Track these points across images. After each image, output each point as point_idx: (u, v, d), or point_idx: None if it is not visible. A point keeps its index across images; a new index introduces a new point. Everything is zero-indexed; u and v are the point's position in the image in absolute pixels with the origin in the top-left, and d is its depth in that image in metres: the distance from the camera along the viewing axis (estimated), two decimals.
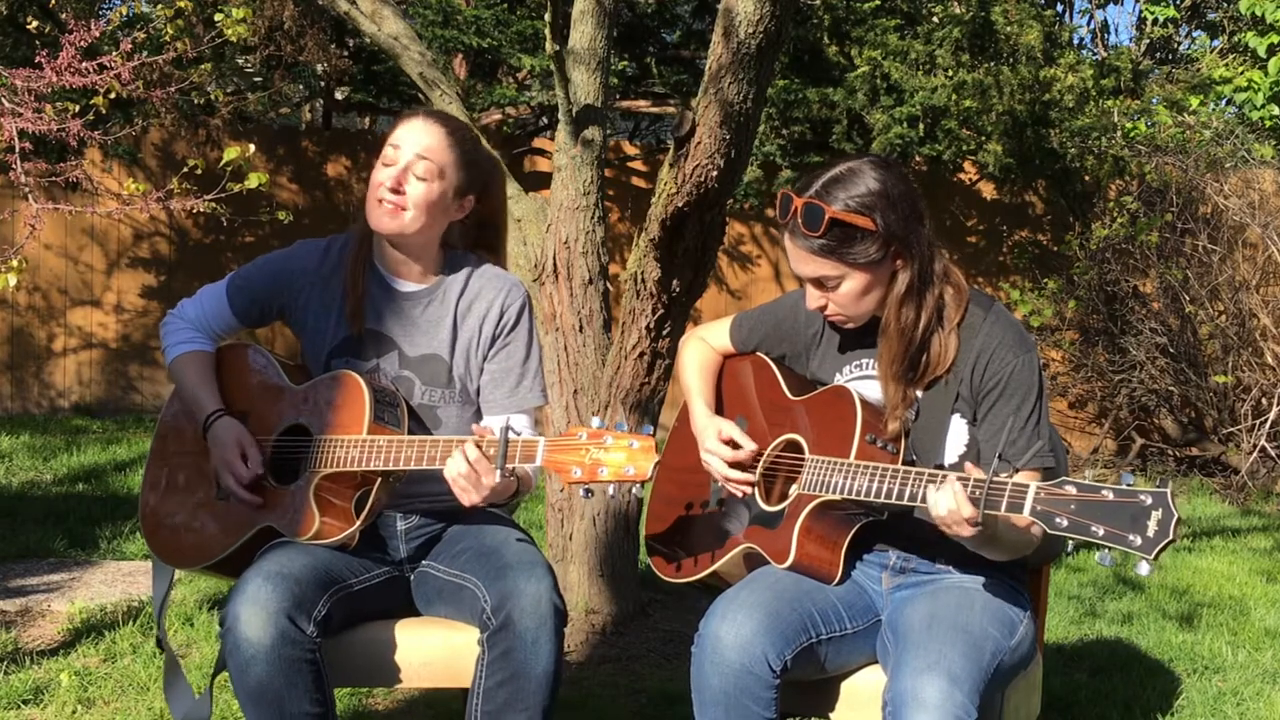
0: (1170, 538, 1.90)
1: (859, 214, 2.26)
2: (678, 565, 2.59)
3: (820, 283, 2.33)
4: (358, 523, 2.44)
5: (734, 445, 2.47)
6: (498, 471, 2.31)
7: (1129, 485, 1.95)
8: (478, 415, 2.63)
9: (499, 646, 2.34)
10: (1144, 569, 1.93)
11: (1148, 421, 8.40)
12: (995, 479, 2.05)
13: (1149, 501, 1.92)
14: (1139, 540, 1.91)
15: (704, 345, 2.70)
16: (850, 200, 2.26)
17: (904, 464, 2.30)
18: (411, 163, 2.49)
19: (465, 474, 2.33)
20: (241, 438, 2.51)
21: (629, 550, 4.06)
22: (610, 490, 2.30)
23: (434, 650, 2.48)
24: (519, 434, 2.32)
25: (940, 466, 2.34)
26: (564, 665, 2.42)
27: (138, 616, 3.95)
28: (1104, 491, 1.96)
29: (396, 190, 2.48)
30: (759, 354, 2.62)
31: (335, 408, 2.47)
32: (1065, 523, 1.97)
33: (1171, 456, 8.21)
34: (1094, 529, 1.95)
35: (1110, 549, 1.96)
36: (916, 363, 2.34)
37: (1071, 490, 1.98)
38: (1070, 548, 2.03)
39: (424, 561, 2.60)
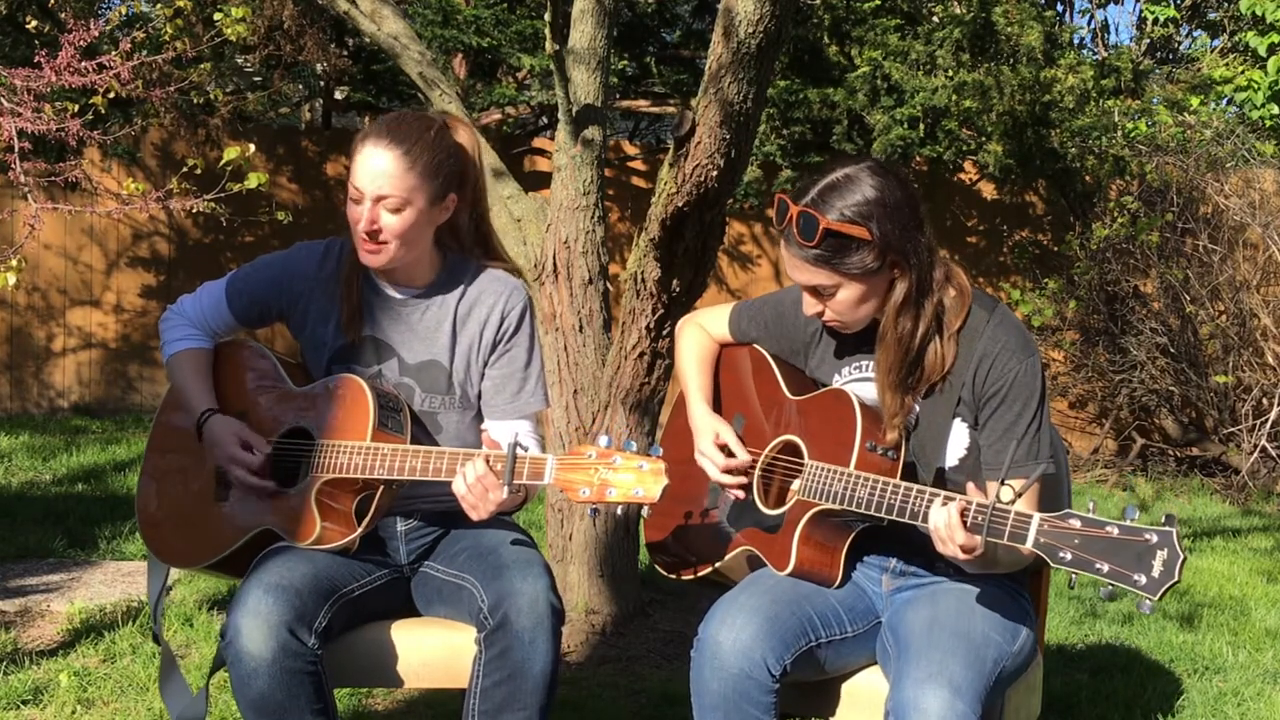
0: (1175, 579, 1.88)
1: (854, 224, 2.22)
2: (678, 563, 2.59)
3: (816, 291, 2.31)
4: (359, 529, 2.43)
5: (729, 452, 2.47)
6: (505, 488, 2.31)
7: (1132, 521, 1.93)
8: (478, 419, 2.62)
9: (496, 646, 2.33)
10: (1146, 607, 1.92)
11: (1148, 421, 8.40)
12: (998, 504, 2.04)
13: (1154, 540, 1.91)
14: (1144, 580, 1.90)
15: (702, 333, 2.68)
16: (846, 209, 2.22)
17: (904, 468, 2.30)
18: (377, 199, 2.42)
19: (472, 490, 2.33)
20: (239, 430, 2.50)
21: (629, 550, 4.06)
22: (618, 511, 2.31)
23: (434, 651, 2.47)
24: (526, 449, 2.32)
25: (941, 470, 2.34)
26: (562, 665, 2.42)
27: (137, 617, 3.95)
28: (1108, 527, 1.94)
29: (372, 233, 2.44)
30: (756, 347, 2.60)
31: (339, 412, 2.46)
32: (1069, 557, 1.96)
33: (1172, 457, 8.20)
34: (1098, 565, 1.93)
35: (1114, 586, 1.94)
36: (914, 370, 2.32)
37: (1076, 524, 1.96)
38: (1071, 581, 2.01)
39: (424, 562, 2.59)
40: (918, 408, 2.35)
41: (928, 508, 2.12)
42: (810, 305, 2.34)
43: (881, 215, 2.23)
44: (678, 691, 3.31)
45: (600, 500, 2.24)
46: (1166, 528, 1.91)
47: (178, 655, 3.66)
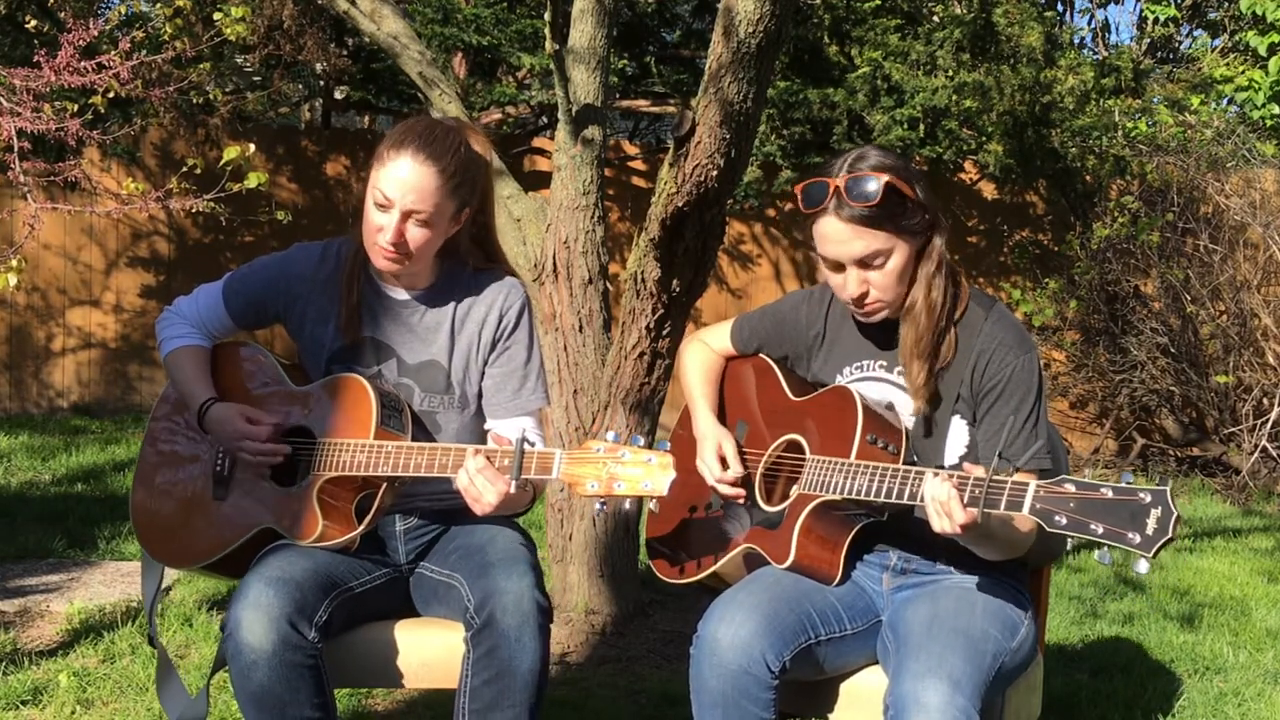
0: (1169, 535, 1.89)
1: (904, 181, 2.26)
2: (679, 566, 2.59)
3: (865, 262, 2.29)
4: (361, 527, 2.43)
5: (726, 464, 2.48)
6: (513, 483, 2.30)
7: (1128, 484, 1.95)
8: (477, 418, 2.62)
9: (483, 645, 2.33)
10: (1142, 567, 1.93)
11: (1149, 421, 8.39)
12: (995, 477, 2.04)
13: (1148, 499, 1.92)
14: (1138, 538, 1.91)
15: (705, 348, 2.69)
16: (889, 171, 2.25)
17: (905, 464, 2.30)
18: (407, 212, 2.42)
19: (475, 482, 2.32)
20: (242, 408, 2.50)
21: (629, 550, 4.06)
22: (626, 504, 2.30)
23: (433, 651, 2.47)
24: (533, 445, 2.31)
25: (941, 468, 2.33)
26: (550, 662, 2.41)
27: (136, 617, 3.94)
28: (1103, 489, 1.95)
29: (398, 244, 2.42)
30: (761, 356, 2.61)
31: (340, 411, 2.45)
32: (1064, 521, 1.97)
33: (1173, 457, 8.20)
34: (1093, 527, 1.94)
35: (1110, 547, 1.95)
36: (940, 340, 2.33)
37: (1071, 488, 1.98)
38: (1070, 546, 2.02)
39: (421, 562, 2.59)
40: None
41: (927, 484, 2.12)
42: (855, 283, 2.31)
43: (911, 177, 2.28)
44: (678, 691, 3.31)
45: (608, 494, 2.24)
46: (1161, 487, 1.92)
47: (177, 655, 3.66)
